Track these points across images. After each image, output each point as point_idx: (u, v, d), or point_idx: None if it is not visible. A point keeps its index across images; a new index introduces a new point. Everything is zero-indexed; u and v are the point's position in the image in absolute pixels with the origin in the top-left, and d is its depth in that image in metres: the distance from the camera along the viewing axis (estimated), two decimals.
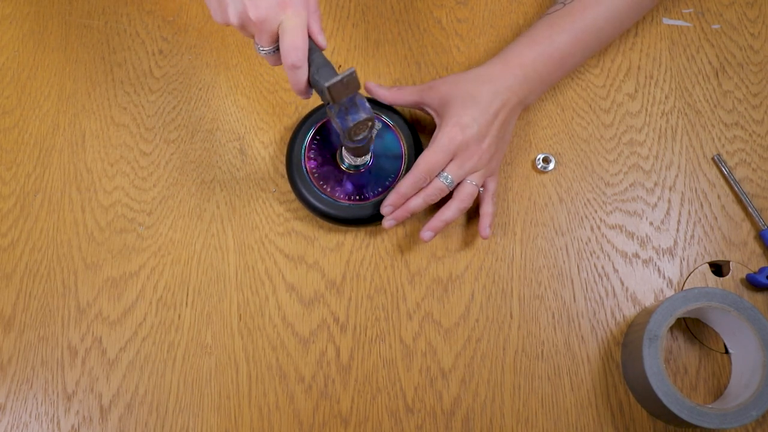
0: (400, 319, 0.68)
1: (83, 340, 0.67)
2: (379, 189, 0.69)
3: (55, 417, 0.65)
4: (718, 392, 0.66)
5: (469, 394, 0.66)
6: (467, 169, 0.66)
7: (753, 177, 0.72)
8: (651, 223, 0.71)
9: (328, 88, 0.55)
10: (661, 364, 0.60)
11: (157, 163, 0.73)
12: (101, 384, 0.66)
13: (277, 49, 0.58)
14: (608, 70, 0.76)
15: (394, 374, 0.66)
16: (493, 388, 0.66)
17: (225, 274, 0.69)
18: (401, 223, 0.69)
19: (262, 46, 0.58)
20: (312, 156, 0.70)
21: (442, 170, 0.65)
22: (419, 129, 0.73)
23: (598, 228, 0.71)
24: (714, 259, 0.70)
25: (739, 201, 0.71)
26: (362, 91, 0.71)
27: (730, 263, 0.70)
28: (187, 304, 0.68)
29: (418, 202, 0.66)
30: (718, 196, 0.72)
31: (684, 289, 0.68)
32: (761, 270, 0.68)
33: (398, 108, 0.72)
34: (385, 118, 0.71)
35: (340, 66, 0.77)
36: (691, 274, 0.69)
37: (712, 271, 0.70)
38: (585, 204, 0.72)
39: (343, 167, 0.70)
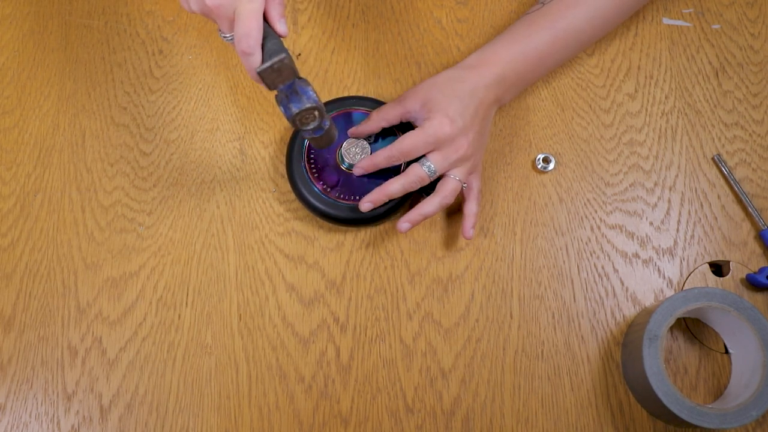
0: (400, 319, 0.68)
1: (83, 340, 0.67)
2: None
3: (55, 417, 0.65)
4: (718, 392, 0.66)
5: (469, 394, 0.66)
6: (451, 161, 0.65)
7: (753, 177, 0.72)
8: (651, 223, 0.71)
9: (259, 73, 0.54)
10: (661, 364, 0.60)
11: (157, 163, 0.73)
12: (101, 384, 0.66)
13: None
14: (608, 70, 0.76)
15: (394, 374, 0.66)
16: (493, 388, 0.66)
17: (225, 274, 0.69)
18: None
19: (223, 33, 0.59)
20: (312, 156, 0.70)
21: (426, 159, 0.65)
22: None
23: (598, 228, 0.71)
24: (714, 259, 0.70)
25: (739, 201, 0.71)
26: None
27: (730, 263, 0.70)
28: (187, 304, 0.68)
29: (395, 187, 0.65)
30: (718, 196, 0.72)
31: (684, 289, 0.68)
32: (761, 270, 0.68)
33: None
34: None
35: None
36: (691, 274, 0.69)
37: (712, 271, 0.70)
38: (585, 204, 0.72)
39: (343, 167, 0.70)
